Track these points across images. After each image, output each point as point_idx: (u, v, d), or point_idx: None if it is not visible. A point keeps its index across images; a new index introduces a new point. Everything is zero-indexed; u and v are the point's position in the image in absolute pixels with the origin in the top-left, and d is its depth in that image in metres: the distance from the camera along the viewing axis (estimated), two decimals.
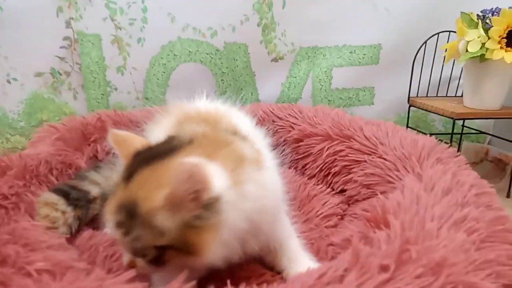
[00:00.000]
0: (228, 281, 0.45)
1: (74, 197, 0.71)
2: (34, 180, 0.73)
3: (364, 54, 1.44)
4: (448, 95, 1.45)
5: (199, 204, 0.44)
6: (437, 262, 0.43)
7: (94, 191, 0.74)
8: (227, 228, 0.46)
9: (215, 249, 0.46)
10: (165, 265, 0.47)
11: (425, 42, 1.36)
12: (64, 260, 0.48)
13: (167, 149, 0.49)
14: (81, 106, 1.41)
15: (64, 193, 0.70)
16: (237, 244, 0.50)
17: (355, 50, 1.43)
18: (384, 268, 0.43)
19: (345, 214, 0.80)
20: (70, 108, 1.41)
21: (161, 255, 0.46)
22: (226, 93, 1.47)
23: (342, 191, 0.86)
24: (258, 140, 0.64)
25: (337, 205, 0.81)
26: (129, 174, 0.47)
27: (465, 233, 0.51)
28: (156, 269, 0.48)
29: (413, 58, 1.37)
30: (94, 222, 0.74)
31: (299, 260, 0.58)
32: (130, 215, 0.44)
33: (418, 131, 1.25)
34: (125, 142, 0.52)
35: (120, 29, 1.36)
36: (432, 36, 1.36)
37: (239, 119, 0.72)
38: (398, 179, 0.73)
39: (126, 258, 0.49)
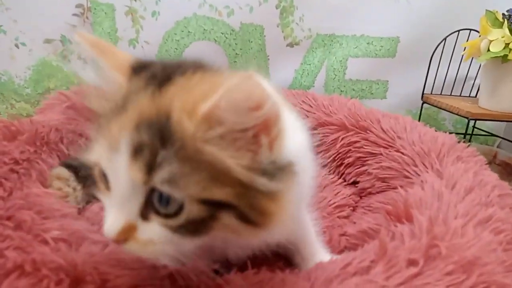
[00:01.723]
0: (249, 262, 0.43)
1: (83, 175, 0.70)
2: (44, 147, 0.72)
3: (381, 46, 1.41)
4: (462, 95, 1.43)
5: (271, 144, 0.32)
6: (469, 260, 0.42)
7: None
8: (296, 199, 0.37)
9: (286, 221, 0.35)
10: (202, 236, 0.32)
11: (445, 39, 1.33)
12: (79, 230, 0.47)
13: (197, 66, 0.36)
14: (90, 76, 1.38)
15: (74, 170, 0.68)
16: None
17: (372, 42, 1.40)
18: (412, 263, 0.42)
19: (357, 206, 0.78)
20: (78, 78, 1.39)
21: (207, 217, 0.31)
22: None
23: (355, 182, 0.85)
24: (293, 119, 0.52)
25: (349, 196, 0.80)
26: (158, 83, 0.33)
27: (492, 233, 0.50)
28: (179, 243, 0.32)
29: (431, 54, 1.34)
30: None
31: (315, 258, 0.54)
32: (162, 136, 0.29)
33: None
34: (110, 51, 0.38)
35: (135, 0, 1.32)
36: (452, 33, 1.34)
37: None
38: (416, 175, 0.72)
39: (116, 220, 0.32)
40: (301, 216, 0.53)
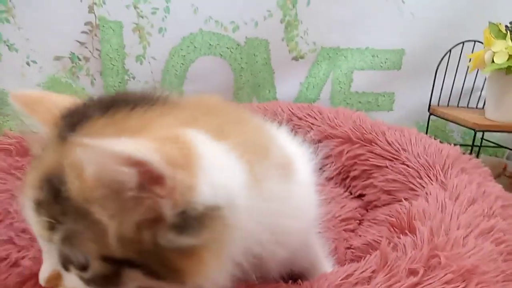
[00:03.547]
0: None
1: None
2: None
3: (387, 59, 1.42)
4: (469, 106, 1.42)
5: (175, 207, 0.26)
6: (467, 269, 0.42)
7: None
8: (238, 246, 0.32)
9: (214, 276, 0.30)
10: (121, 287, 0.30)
11: (450, 51, 1.34)
12: None
13: (130, 101, 0.33)
14: (98, 93, 1.41)
15: None
16: (253, 266, 0.36)
17: (377, 54, 1.41)
18: (412, 272, 0.42)
19: (363, 219, 0.78)
20: (87, 94, 1.41)
21: (114, 274, 0.29)
22: (243, 89, 1.47)
23: (361, 195, 0.85)
24: (297, 154, 0.49)
25: (355, 209, 0.80)
26: (66, 131, 0.31)
27: (493, 243, 0.50)
28: None
29: (436, 66, 1.34)
30: None
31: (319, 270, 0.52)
32: (56, 193, 0.28)
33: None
34: (41, 103, 0.36)
35: (142, 17, 1.35)
36: (457, 44, 1.34)
37: (279, 133, 0.55)
38: (421, 187, 0.71)
39: (45, 269, 0.32)
40: (309, 251, 0.52)
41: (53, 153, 0.30)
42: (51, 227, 0.29)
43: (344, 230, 0.73)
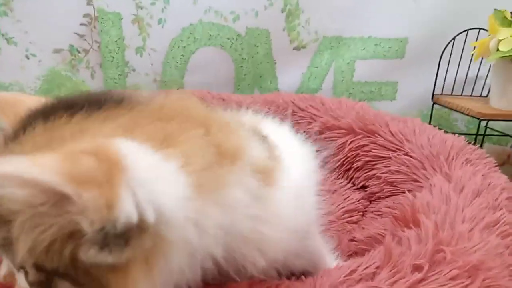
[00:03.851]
0: None
1: None
2: None
3: (390, 47, 1.40)
4: (473, 95, 1.41)
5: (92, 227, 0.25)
6: (473, 264, 0.42)
7: None
8: (184, 258, 0.30)
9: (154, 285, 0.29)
10: None
11: (454, 39, 1.32)
12: None
13: (79, 104, 0.32)
14: (98, 85, 1.40)
15: None
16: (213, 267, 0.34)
17: (380, 43, 1.39)
18: (417, 268, 0.42)
19: (366, 211, 0.78)
20: (87, 87, 1.41)
21: (47, 282, 0.29)
22: (244, 80, 1.45)
23: (364, 187, 0.84)
24: (294, 154, 0.46)
25: (359, 201, 0.79)
26: (10, 138, 0.31)
27: (498, 237, 0.50)
28: None
29: (440, 54, 1.32)
30: None
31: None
32: None
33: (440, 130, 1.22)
34: (12, 106, 0.36)
35: (142, 8, 1.34)
36: (461, 32, 1.32)
37: (271, 126, 0.52)
38: (425, 178, 0.71)
39: (3, 267, 0.34)
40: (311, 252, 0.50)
41: None
42: None
43: (347, 222, 0.73)
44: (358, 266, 0.43)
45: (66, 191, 0.23)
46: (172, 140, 0.30)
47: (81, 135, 0.29)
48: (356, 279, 0.41)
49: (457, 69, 1.36)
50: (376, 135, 0.86)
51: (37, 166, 0.23)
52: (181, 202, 0.28)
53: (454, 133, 0.86)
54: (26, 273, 0.29)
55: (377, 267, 0.42)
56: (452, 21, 1.37)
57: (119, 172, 0.25)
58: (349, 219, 0.73)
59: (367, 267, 0.42)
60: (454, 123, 1.50)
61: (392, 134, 0.84)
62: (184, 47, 1.37)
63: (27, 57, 1.38)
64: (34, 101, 0.36)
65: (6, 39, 1.34)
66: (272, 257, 0.38)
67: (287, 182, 0.39)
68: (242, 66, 1.41)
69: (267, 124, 0.53)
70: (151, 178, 0.27)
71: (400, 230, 0.54)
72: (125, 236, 0.25)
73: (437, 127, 0.88)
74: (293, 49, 1.40)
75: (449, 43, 1.32)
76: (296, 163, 0.44)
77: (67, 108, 0.31)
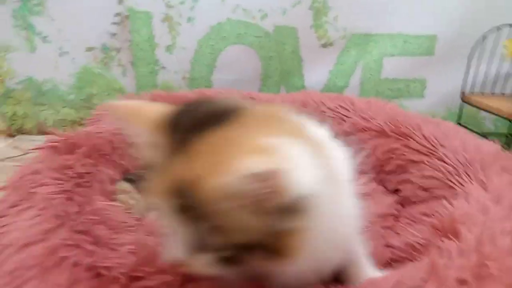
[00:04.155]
0: None
1: (141, 187, 0.75)
2: (101, 159, 0.76)
3: (418, 44, 1.38)
4: (504, 93, 1.39)
5: (280, 208, 0.33)
6: None
7: None
8: (321, 230, 0.38)
9: (308, 251, 0.37)
10: (240, 266, 0.37)
11: (484, 36, 1.30)
12: (149, 244, 0.51)
13: (219, 113, 0.39)
14: (130, 82, 1.44)
15: (133, 182, 0.73)
16: (330, 253, 0.42)
17: (409, 40, 1.38)
18: (462, 282, 0.43)
19: (400, 216, 0.79)
20: (119, 84, 1.45)
21: (240, 256, 0.36)
22: (272, 77, 1.47)
23: (396, 190, 0.85)
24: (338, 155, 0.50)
25: (391, 205, 0.80)
26: (181, 144, 0.36)
27: None
28: (225, 271, 0.38)
29: (470, 51, 1.31)
30: None
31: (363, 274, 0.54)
32: (192, 199, 0.34)
33: (468, 129, 1.21)
34: (140, 111, 0.41)
35: (171, 7, 1.36)
36: (492, 29, 1.30)
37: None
38: (460, 185, 0.71)
39: (179, 251, 0.38)
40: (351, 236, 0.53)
41: (177, 163, 0.35)
42: (191, 223, 0.35)
43: (381, 227, 0.74)
44: (403, 277, 0.45)
45: (276, 180, 0.31)
46: (298, 137, 0.37)
47: (237, 140, 0.36)
48: None
49: (488, 67, 1.34)
50: (409, 138, 0.87)
51: (262, 164, 0.31)
52: (320, 187, 0.36)
53: (483, 133, 0.86)
54: (212, 253, 0.36)
55: (423, 279, 0.44)
56: (483, 18, 1.35)
57: (289, 161, 0.33)
58: (383, 223, 0.75)
59: (412, 279, 0.44)
60: (482, 122, 1.49)
61: (425, 138, 0.85)
62: (213, 45, 1.39)
63: (61, 55, 1.43)
64: (154, 107, 0.42)
65: (41, 37, 1.39)
66: (344, 250, 0.46)
67: (344, 179, 0.47)
68: (269, 64, 1.42)
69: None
70: (305, 165, 0.35)
71: (439, 240, 0.56)
72: (298, 207, 0.34)
73: (464, 127, 0.88)
74: (320, 47, 1.41)
75: (479, 40, 1.30)
76: (342, 163, 0.50)
77: (208, 119, 0.38)
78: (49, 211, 0.56)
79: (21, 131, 1.56)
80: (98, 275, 0.43)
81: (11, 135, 1.57)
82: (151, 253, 0.47)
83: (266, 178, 0.31)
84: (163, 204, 0.36)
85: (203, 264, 0.38)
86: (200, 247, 0.37)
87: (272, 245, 0.36)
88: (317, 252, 0.41)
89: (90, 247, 0.48)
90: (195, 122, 0.38)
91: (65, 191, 0.62)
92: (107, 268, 0.44)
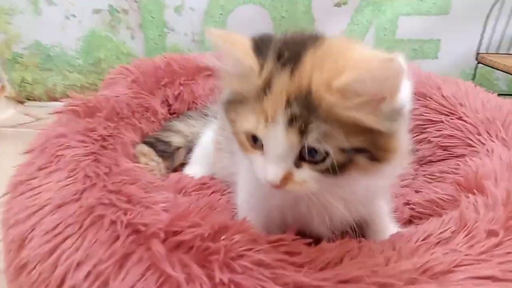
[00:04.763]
0: None
1: (160, 149, 0.76)
2: (121, 122, 0.76)
3: (434, 3, 1.34)
4: None
5: (393, 109, 0.37)
6: None
7: (176, 140, 0.79)
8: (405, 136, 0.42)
9: (400, 156, 0.41)
10: (341, 175, 0.39)
11: None
12: (182, 202, 0.52)
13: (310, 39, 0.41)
14: (138, 46, 1.42)
15: (152, 145, 0.74)
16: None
17: None
18: (492, 233, 0.44)
19: (417, 174, 0.80)
20: (127, 48, 1.42)
21: (347, 161, 0.39)
22: None
23: (413, 150, 0.86)
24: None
25: (409, 164, 0.81)
26: (290, 63, 0.38)
27: None
28: (323, 181, 0.40)
29: (488, 10, 1.27)
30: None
31: (386, 232, 0.57)
32: (308, 107, 0.37)
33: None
34: (238, 41, 0.41)
35: None
36: None
37: None
38: (480, 144, 0.72)
39: (278, 171, 0.40)
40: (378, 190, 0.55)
41: (289, 80, 0.38)
42: (303, 133, 0.37)
43: (400, 186, 0.76)
44: (433, 230, 0.46)
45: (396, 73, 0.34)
46: None
47: (346, 51, 0.38)
48: (433, 242, 0.44)
49: (505, 27, 1.30)
50: (428, 98, 0.86)
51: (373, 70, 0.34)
52: (407, 96, 0.41)
53: (497, 95, 0.85)
54: (319, 163, 0.39)
55: (453, 232, 0.46)
56: None
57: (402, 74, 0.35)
58: (401, 182, 0.76)
59: (442, 231, 0.46)
60: (496, 83, 1.47)
61: (445, 98, 0.84)
62: (223, 5, 1.35)
63: (68, 18, 1.39)
64: (240, 36, 0.42)
65: (46, 0, 1.35)
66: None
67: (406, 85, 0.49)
68: (281, 24, 1.39)
69: None
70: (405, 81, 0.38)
71: (464, 195, 0.57)
72: (399, 112, 0.38)
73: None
74: (334, 6, 1.37)
75: None
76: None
77: (311, 40, 0.40)
78: (79, 173, 0.57)
79: (30, 97, 1.56)
80: (138, 231, 0.44)
81: (21, 102, 1.57)
82: (184, 209, 0.48)
83: (395, 73, 0.34)
84: (276, 120, 0.38)
85: (306, 177, 0.40)
86: (305, 159, 0.39)
87: (377, 150, 0.39)
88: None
89: (125, 205, 0.49)
90: (299, 46, 0.39)
91: (92, 153, 0.63)
92: (144, 224, 0.45)
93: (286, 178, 0.40)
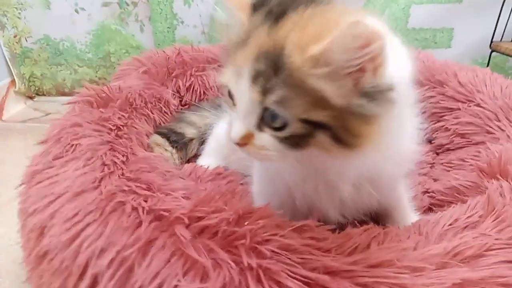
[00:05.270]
0: None
1: (173, 139, 0.76)
2: (134, 112, 0.76)
3: None
4: None
5: (369, 79, 0.34)
6: None
7: (189, 132, 0.78)
8: (391, 128, 0.39)
9: (376, 147, 0.37)
10: (301, 149, 0.38)
11: None
12: (201, 189, 0.51)
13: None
14: (147, 39, 1.41)
15: (165, 136, 0.74)
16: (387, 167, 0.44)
17: None
18: None
19: (434, 163, 0.79)
20: (136, 41, 1.42)
21: (306, 134, 0.36)
22: None
23: (429, 139, 0.85)
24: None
25: (426, 153, 0.80)
26: (273, 18, 0.37)
27: None
28: (284, 153, 0.38)
29: None
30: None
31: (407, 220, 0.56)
32: (275, 66, 0.35)
33: None
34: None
35: None
36: None
37: None
38: (500, 130, 0.71)
39: (239, 128, 0.39)
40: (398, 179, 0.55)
41: (266, 34, 0.36)
42: (265, 92, 0.35)
43: (418, 174, 0.75)
44: (460, 215, 0.45)
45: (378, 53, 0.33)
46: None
47: (332, 17, 0.36)
48: (461, 226, 0.44)
49: None
50: (444, 86, 0.85)
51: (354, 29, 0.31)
52: (403, 78, 0.38)
53: None
54: (279, 130, 0.37)
55: (480, 216, 0.45)
56: None
57: (384, 48, 0.33)
58: (420, 171, 0.75)
59: (470, 216, 0.45)
60: (510, 71, 1.45)
61: (461, 85, 0.83)
62: None
63: (77, 11, 1.39)
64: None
65: None
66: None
67: (401, 65, 0.45)
68: None
69: None
70: (395, 54, 0.37)
71: (487, 181, 0.56)
72: (384, 93, 0.35)
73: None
74: None
75: None
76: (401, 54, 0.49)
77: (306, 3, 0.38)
78: (96, 161, 0.57)
79: (40, 92, 1.56)
80: (160, 217, 0.44)
81: (31, 97, 1.57)
82: (206, 195, 0.48)
83: (368, 39, 0.32)
84: (242, 74, 0.36)
85: (265, 142, 0.38)
86: (267, 121, 0.38)
87: (343, 131, 0.36)
88: (379, 159, 0.41)
89: (145, 192, 0.49)
90: (290, 5, 0.38)
91: (107, 141, 0.62)
92: (167, 210, 0.44)
93: (247, 139, 0.39)
